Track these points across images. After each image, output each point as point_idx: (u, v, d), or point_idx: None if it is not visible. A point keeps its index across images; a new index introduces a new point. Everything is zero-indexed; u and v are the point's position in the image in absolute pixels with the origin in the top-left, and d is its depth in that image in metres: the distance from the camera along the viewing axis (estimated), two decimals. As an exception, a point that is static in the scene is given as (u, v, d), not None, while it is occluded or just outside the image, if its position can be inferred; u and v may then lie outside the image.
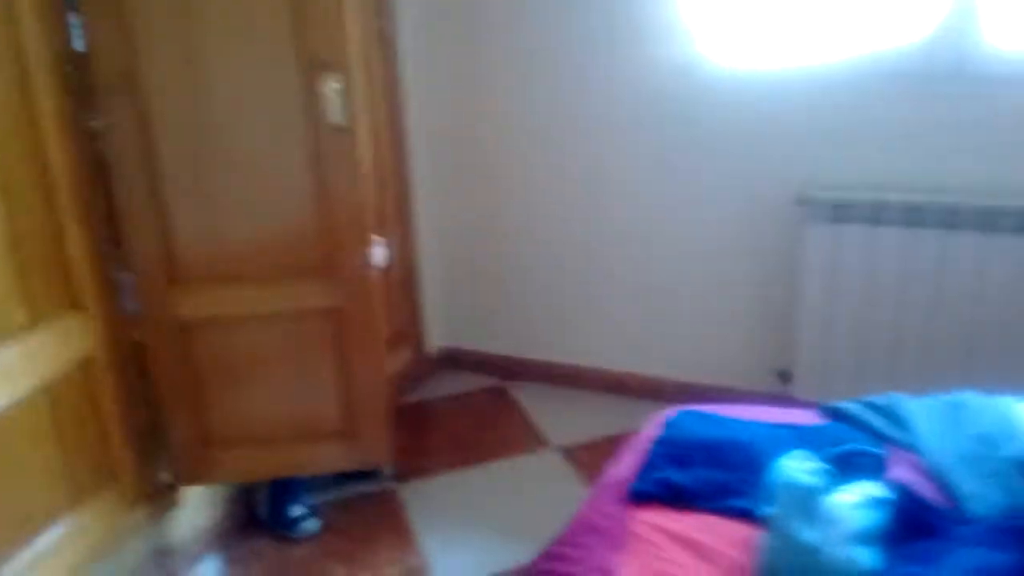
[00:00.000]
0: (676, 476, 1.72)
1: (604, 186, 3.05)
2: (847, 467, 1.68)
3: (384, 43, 3.01)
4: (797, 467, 1.54)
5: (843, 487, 1.55)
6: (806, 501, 1.48)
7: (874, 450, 1.74)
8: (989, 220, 2.47)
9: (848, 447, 1.72)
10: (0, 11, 1.73)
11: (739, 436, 1.78)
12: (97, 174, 2.02)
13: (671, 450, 1.79)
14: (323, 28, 2.08)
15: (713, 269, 2.96)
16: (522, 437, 3.04)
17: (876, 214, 2.59)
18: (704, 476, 1.70)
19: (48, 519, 1.95)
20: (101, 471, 2.11)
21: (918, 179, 2.57)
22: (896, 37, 2.52)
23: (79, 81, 1.94)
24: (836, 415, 1.92)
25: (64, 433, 1.98)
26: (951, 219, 2.50)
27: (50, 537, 1.95)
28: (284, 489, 2.57)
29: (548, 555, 1.63)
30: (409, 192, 3.23)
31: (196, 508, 2.45)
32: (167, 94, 2.03)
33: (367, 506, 2.70)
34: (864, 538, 1.45)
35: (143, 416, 2.21)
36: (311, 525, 2.56)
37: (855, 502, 1.51)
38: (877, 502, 1.51)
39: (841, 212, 2.63)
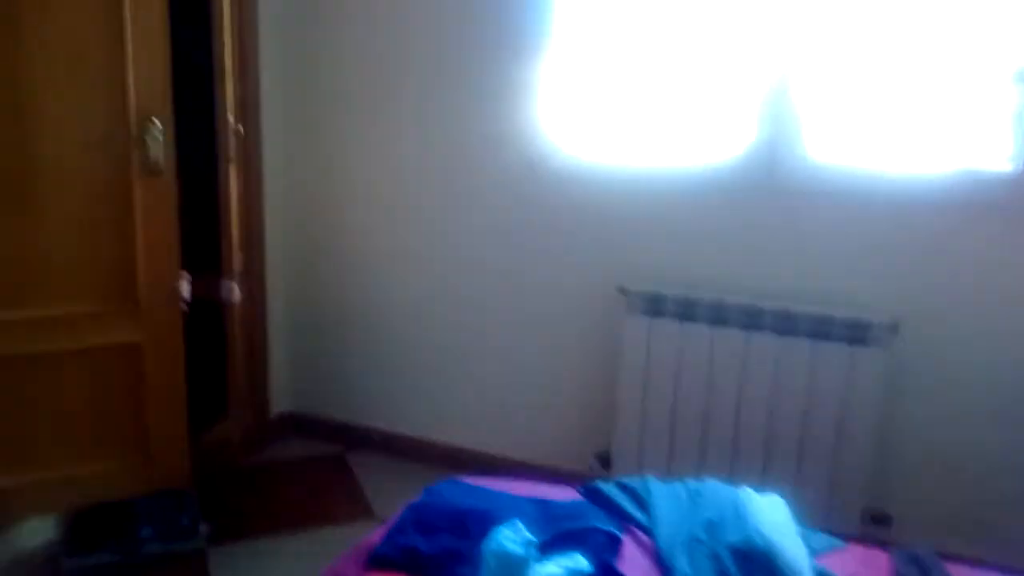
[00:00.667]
0: (418, 542, 1.79)
1: (448, 262, 3.19)
2: (581, 544, 1.76)
3: (248, 100, 3.12)
4: (509, 537, 1.63)
5: (551, 560, 1.64)
6: (511, 570, 1.56)
7: (609, 529, 1.83)
8: (787, 323, 2.63)
9: (583, 524, 1.81)
10: None
11: (486, 507, 1.87)
12: None
13: (421, 516, 1.87)
14: (150, 80, 2.21)
15: (543, 350, 3.10)
16: (349, 507, 3.07)
17: (687, 310, 2.75)
18: (443, 543, 1.77)
19: None
20: None
21: (726, 280, 2.75)
22: (718, 145, 2.72)
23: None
24: (592, 494, 2.01)
25: None
26: (752, 320, 2.66)
27: None
28: (135, 513, 2.60)
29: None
30: (261, 256, 3.31)
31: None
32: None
33: (170, 566, 2.68)
34: (558, 608, 1.53)
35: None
36: (156, 547, 2.60)
37: (557, 574, 1.59)
38: (577, 573, 1.59)
39: (656, 306, 2.79)
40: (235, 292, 2.71)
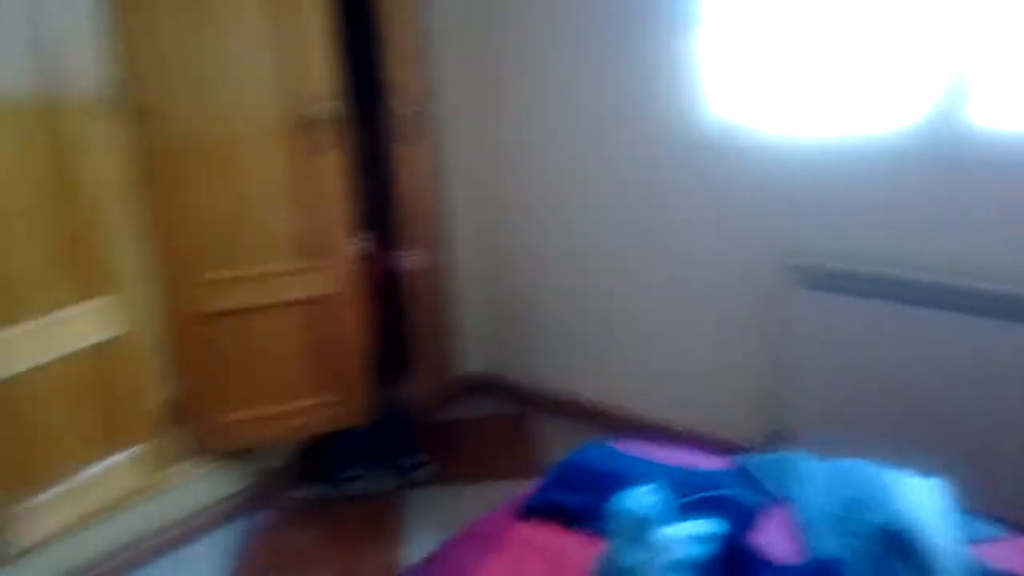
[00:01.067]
0: (563, 498, 1.91)
1: (620, 236, 3.26)
2: (719, 511, 1.81)
3: (431, 87, 3.35)
4: (639, 497, 1.71)
5: (681, 522, 1.70)
6: (638, 528, 1.65)
7: (749, 499, 1.86)
8: (968, 300, 2.48)
9: (722, 492, 1.86)
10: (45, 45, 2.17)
11: (626, 469, 1.95)
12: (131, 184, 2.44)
13: (567, 475, 1.99)
14: (317, 70, 2.55)
15: (712, 322, 3.10)
16: (524, 464, 3.25)
17: (857, 284, 2.66)
18: (587, 500, 1.89)
19: (73, 466, 2.36)
20: (126, 434, 2.51)
21: (903, 255, 2.62)
22: (887, 115, 2.59)
23: (119, 106, 2.37)
24: (741, 466, 2.04)
25: (92, 395, 2.40)
26: (924, 295, 2.53)
27: (72, 483, 2.36)
28: (343, 453, 3.05)
29: (428, 556, 1.87)
30: (446, 230, 3.54)
31: (214, 479, 2.83)
32: (188, 120, 2.48)
33: (372, 503, 3.01)
34: (682, 567, 1.60)
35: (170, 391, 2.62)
36: (360, 485, 3.04)
37: (686, 535, 1.66)
38: (705, 539, 1.65)
39: (825, 279, 2.71)
40: (411, 262, 2.95)
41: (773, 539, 1.80)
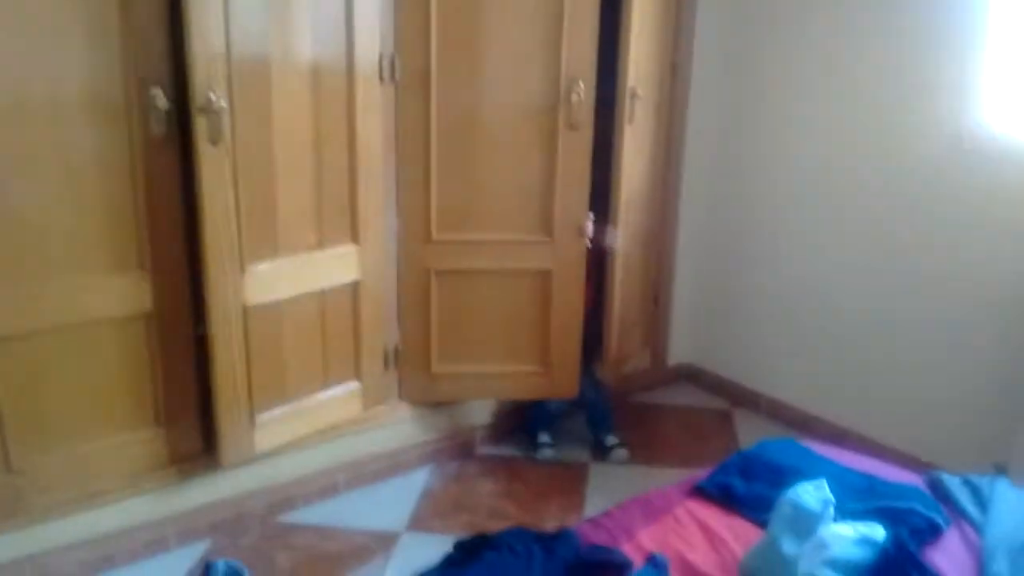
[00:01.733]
0: (736, 483, 1.96)
1: (856, 245, 3.17)
2: (897, 521, 1.79)
3: (676, 75, 3.41)
4: (809, 491, 1.72)
5: (849, 523, 1.70)
6: (802, 521, 1.67)
7: (932, 516, 1.81)
8: None
9: (904, 505, 1.82)
10: (343, 18, 2.49)
11: (810, 468, 1.95)
12: (392, 148, 2.74)
13: (745, 464, 2.03)
14: (579, 46, 2.67)
15: (949, 344, 2.93)
16: (718, 457, 3.25)
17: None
18: (758, 490, 1.92)
19: (305, 390, 2.71)
20: (349, 369, 2.83)
21: None
22: None
23: (391, 74, 2.66)
24: (934, 484, 1.98)
25: (327, 332, 2.73)
26: None
27: (301, 404, 2.71)
28: (538, 420, 3.25)
29: (602, 513, 1.99)
30: (674, 215, 3.60)
31: (418, 424, 3.11)
32: (449, 93, 2.71)
33: (559, 471, 3.17)
34: (840, 567, 1.61)
35: (390, 338, 2.92)
36: (549, 452, 3.20)
37: (849, 536, 1.65)
38: (869, 542, 1.64)
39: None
40: (617, 240, 3.03)
41: (951, 558, 1.74)
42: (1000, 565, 1.68)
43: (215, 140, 2.24)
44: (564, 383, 3.04)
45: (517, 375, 3.04)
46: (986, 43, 2.70)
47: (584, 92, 2.67)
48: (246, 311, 2.47)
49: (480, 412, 3.28)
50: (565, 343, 2.98)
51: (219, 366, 2.46)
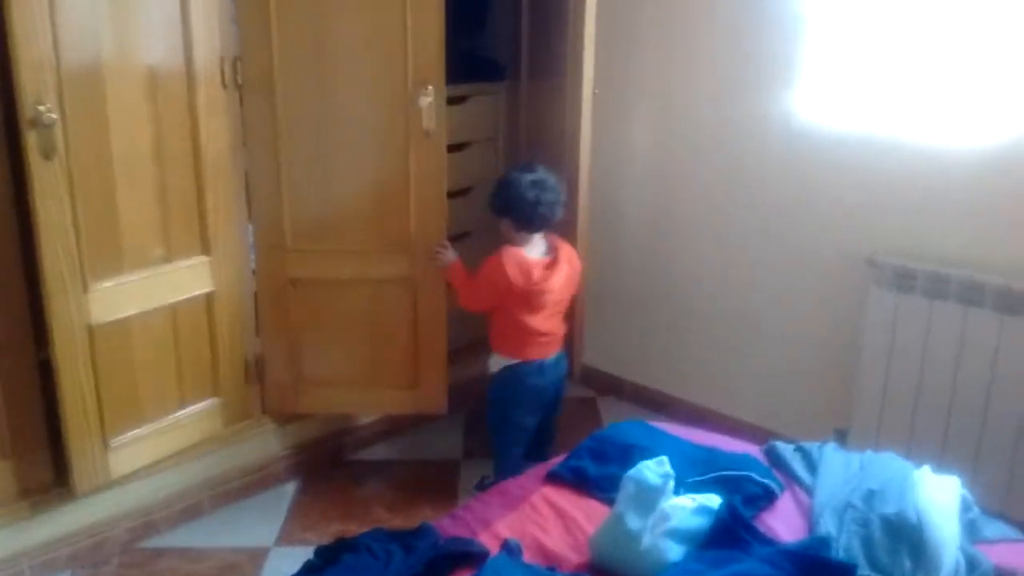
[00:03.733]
0: (588, 466, 2.09)
1: (706, 227, 3.38)
2: (734, 489, 1.94)
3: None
4: (650, 467, 1.85)
5: (688, 494, 1.84)
6: (644, 496, 1.80)
7: (766, 482, 1.97)
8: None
9: (741, 473, 1.98)
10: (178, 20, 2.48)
11: (655, 446, 2.09)
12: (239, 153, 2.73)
13: (597, 446, 2.15)
14: (424, 48, 2.70)
15: (789, 317, 3.18)
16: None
17: (937, 286, 2.68)
18: (608, 470, 2.05)
19: (160, 409, 2.67)
20: (207, 385, 2.81)
21: (980, 258, 2.64)
22: (985, 123, 2.61)
23: (233, 77, 2.65)
24: (769, 452, 2.15)
25: (181, 348, 2.70)
26: (1007, 301, 2.54)
27: (157, 425, 2.68)
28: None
29: (460, 506, 2.07)
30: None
31: (281, 436, 3.12)
32: (296, 96, 2.72)
33: (430, 472, 3.24)
34: (681, 536, 1.75)
35: (249, 351, 2.91)
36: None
37: (688, 507, 1.79)
38: (707, 511, 1.79)
39: (905, 280, 2.74)
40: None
41: (784, 520, 1.91)
42: (826, 523, 1.85)
43: (48, 154, 2.20)
44: (431, 398, 3.02)
45: (384, 388, 3.04)
46: (801, 41, 2.95)
47: (433, 95, 2.71)
48: (92, 331, 2.43)
49: (348, 418, 3.31)
50: (431, 355, 2.97)
51: (65, 391, 2.42)
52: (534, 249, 2.73)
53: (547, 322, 2.76)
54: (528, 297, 2.67)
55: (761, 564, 1.64)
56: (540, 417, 2.87)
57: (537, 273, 2.67)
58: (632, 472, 1.87)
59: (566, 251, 2.79)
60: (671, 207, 3.48)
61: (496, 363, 2.84)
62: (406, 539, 1.87)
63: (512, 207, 2.66)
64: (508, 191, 2.67)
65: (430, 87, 2.72)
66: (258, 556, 2.73)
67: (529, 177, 2.68)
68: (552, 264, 2.72)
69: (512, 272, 2.63)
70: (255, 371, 2.95)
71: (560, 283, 2.72)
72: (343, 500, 3.05)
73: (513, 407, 2.80)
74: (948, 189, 2.72)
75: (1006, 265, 2.60)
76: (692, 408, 3.50)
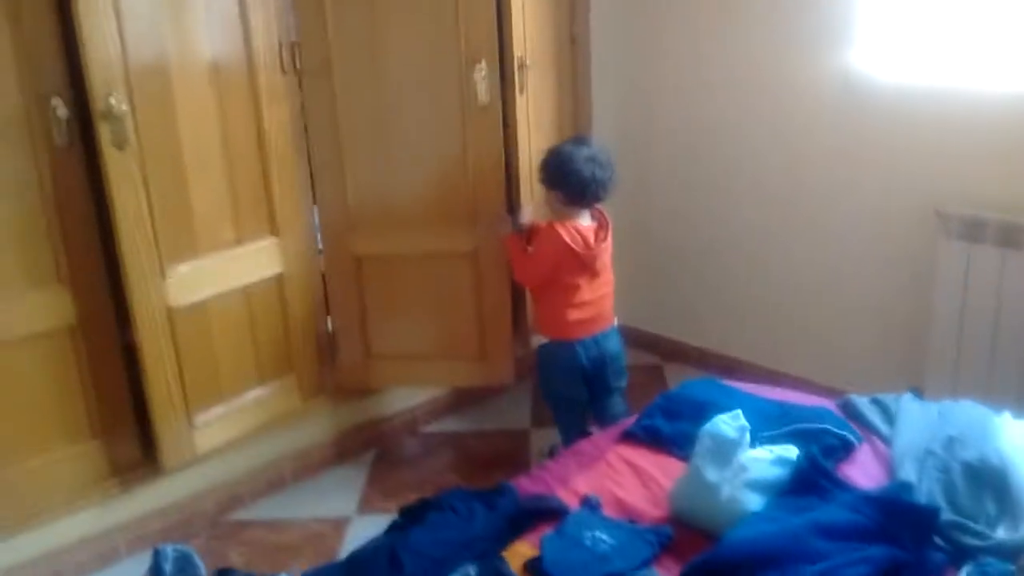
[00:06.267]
0: (661, 424, 2.10)
1: (765, 185, 3.35)
2: (812, 441, 1.94)
3: (575, 45, 3.50)
4: (725, 422, 1.86)
5: (765, 446, 1.84)
6: (721, 449, 1.81)
7: (844, 434, 1.97)
8: None
9: (817, 426, 1.97)
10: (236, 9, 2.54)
11: (728, 402, 2.09)
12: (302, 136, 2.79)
13: (669, 405, 2.16)
14: (476, 25, 2.71)
15: (856, 275, 3.14)
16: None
17: (1009, 235, 2.62)
18: (681, 428, 2.06)
19: (239, 387, 2.76)
20: (282, 363, 2.88)
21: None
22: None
23: (292, 63, 2.71)
24: (846, 406, 2.14)
25: (256, 327, 2.78)
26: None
27: (237, 402, 2.76)
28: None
29: (537, 467, 2.10)
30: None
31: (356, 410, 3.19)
32: (353, 78, 2.77)
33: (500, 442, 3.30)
34: (760, 487, 1.75)
35: (321, 329, 2.98)
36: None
37: (766, 459, 1.80)
38: (784, 462, 1.79)
39: (975, 230, 2.69)
40: (524, 217, 2.91)
41: (863, 470, 1.90)
42: (907, 470, 1.84)
43: (120, 144, 2.27)
44: (499, 369, 3.05)
45: (451, 361, 3.08)
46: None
47: (487, 70, 2.73)
48: (171, 314, 2.52)
49: (419, 392, 3.37)
50: (497, 327, 3.00)
51: (150, 372, 2.50)
52: (582, 219, 2.73)
53: (600, 290, 2.77)
54: (585, 263, 2.69)
55: (843, 510, 1.64)
56: (595, 391, 2.85)
57: (591, 239, 2.68)
58: (707, 426, 1.88)
59: (606, 219, 2.81)
60: (726, 172, 3.45)
61: (539, 341, 2.88)
62: (488, 497, 1.91)
63: (568, 182, 2.65)
64: (564, 166, 2.66)
65: (483, 62, 2.74)
66: (341, 525, 2.81)
67: (585, 152, 2.67)
68: (599, 231, 2.74)
69: (570, 238, 2.64)
70: (328, 348, 3.01)
71: (610, 249, 2.76)
72: (418, 470, 3.12)
73: (557, 381, 2.83)
74: (1013, 136, 2.64)
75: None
76: (762, 371, 3.47)
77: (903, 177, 2.93)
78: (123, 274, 2.39)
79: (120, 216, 2.34)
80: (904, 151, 2.91)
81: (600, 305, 2.80)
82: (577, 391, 2.81)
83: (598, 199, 2.72)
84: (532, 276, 2.79)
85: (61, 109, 2.26)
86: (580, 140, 2.82)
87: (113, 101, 2.23)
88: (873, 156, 2.99)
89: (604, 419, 2.82)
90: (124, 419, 2.59)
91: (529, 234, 2.83)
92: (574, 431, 2.79)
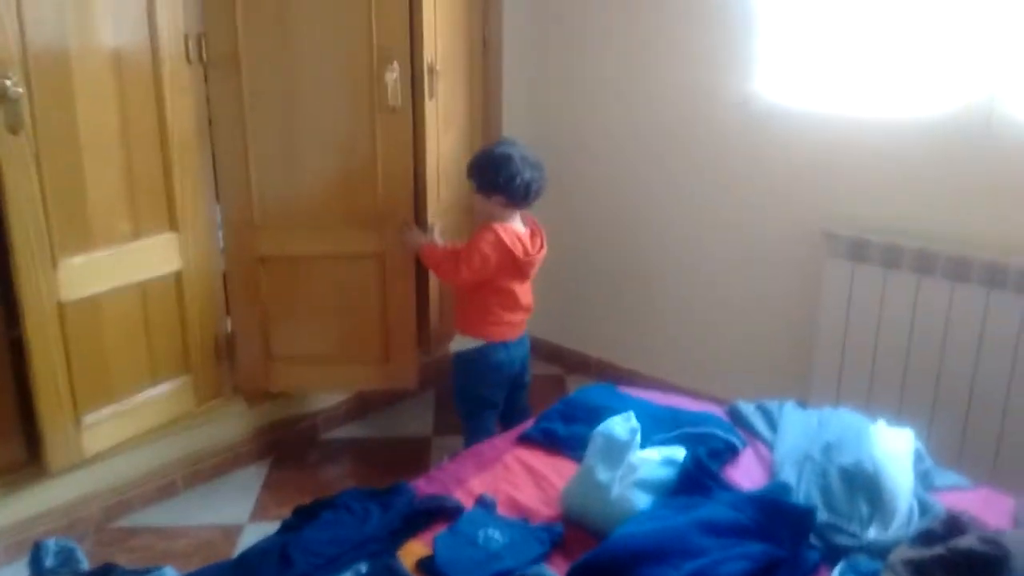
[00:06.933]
0: (558, 427, 2.15)
1: (659, 199, 3.47)
2: (699, 444, 2.01)
3: (487, 49, 3.54)
4: (617, 423, 1.92)
5: (655, 447, 1.91)
6: (613, 450, 1.86)
7: (729, 438, 2.05)
8: (997, 276, 2.58)
9: (705, 430, 2.05)
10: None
11: (622, 406, 2.16)
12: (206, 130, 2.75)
13: (566, 409, 2.22)
14: (389, 25, 2.73)
15: (746, 289, 3.27)
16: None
17: (891, 256, 2.77)
18: (577, 430, 2.11)
19: (132, 387, 2.68)
20: (178, 363, 2.82)
21: (932, 228, 2.74)
22: (932, 95, 2.70)
23: (198, 54, 2.66)
24: (732, 412, 2.23)
25: (151, 326, 2.71)
26: (959, 270, 2.64)
27: (129, 403, 2.69)
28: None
29: (435, 467, 2.12)
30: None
31: (253, 415, 3.14)
32: (261, 72, 2.74)
33: (401, 449, 3.30)
34: (649, 487, 1.82)
35: (219, 329, 2.93)
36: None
37: (654, 459, 1.86)
38: (672, 463, 1.86)
39: (860, 250, 2.84)
40: (436, 237, 2.95)
41: (746, 472, 1.99)
42: (787, 473, 1.93)
43: (15, 128, 2.21)
44: (402, 372, 3.07)
45: (354, 364, 3.08)
46: (759, 19, 3.04)
47: (399, 71, 2.74)
48: (62, 308, 2.44)
49: (321, 397, 3.34)
50: (401, 330, 3.01)
51: (37, 368, 2.42)
52: (517, 224, 2.78)
53: (528, 295, 2.84)
54: (521, 267, 2.74)
55: (725, 508, 1.72)
56: (507, 393, 2.92)
57: (528, 246, 2.75)
58: (600, 427, 1.93)
59: (539, 226, 2.86)
60: (628, 185, 3.56)
61: (459, 342, 2.87)
62: (383, 497, 1.92)
63: (510, 184, 2.67)
64: (505, 168, 2.67)
65: (395, 63, 2.75)
66: (232, 532, 2.76)
67: (520, 153, 2.71)
68: (533, 235, 2.80)
69: (510, 242, 2.68)
70: (226, 349, 2.96)
71: (543, 257, 2.81)
72: (316, 477, 3.08)
73: (480, 383, 2.84)
74: (895, 161, 2.81)
75: (956, 235, 2.70)
76: (658, 383, 3.55)
77: (795, 197, 3.07)
78: (12, 263, 2.31)
79: (11, 202, 2.26)
80: (796, 172, 3.05)
81: (530, 308, 2.87)
82: (498, 393, 2.86)
83: (535, 200, 2.77)
84: (463, 276, 2.72)
85: (-47, 89, 2.18)
86: (510, 142, 2.84)
87: (8, 83, 2.16)
88: (768, 176, 3.13)
89: (513, 414, 2.90)
90: (8, 417, 2.50)
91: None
92: (482, 435, 2.81)
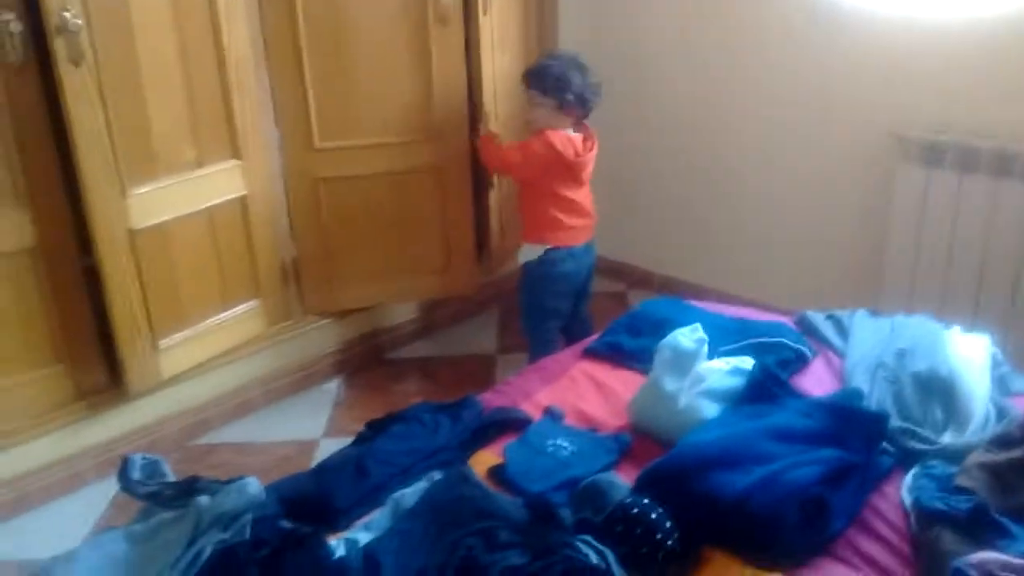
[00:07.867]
0: (623, 340, 2.15)
1: (725, 108, 3.37)
2: (768, 353, 2.00)
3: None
4: (684, 334, 1.91)
5: (723, 357, 1.90)
6: (680, 360, 1.87)
7: (799, 347, 2.03)
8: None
9: (774, 339, 2.04)
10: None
11: (688, 318, 2.15)
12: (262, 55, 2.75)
13: (631, 322, 2.22)
14: None
15: (815, 198, 3.19)
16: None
17: (967, 158, 2.67)
18: (643, 343, 2.11)
19: (204, 312, 2.76)
20: (247, 287, 2.89)
21: (1010, 128, 2.62)
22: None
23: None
24: (800, 320, 2.21)
25: (219, 251, 2.77)
26: None
27: (202, 327, 2.78)
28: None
29: (502, 382, 2.15)
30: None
31: (323, 334, 3.22)
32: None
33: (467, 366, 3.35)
34: (716, 396, 1.82)
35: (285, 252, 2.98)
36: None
37: (722, 369, 1.86)
38: (741, 372, 1.85)
39: (933, 154, 2.74)
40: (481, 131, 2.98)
41: (817, 380, 1.97)
42: (858, 380, 1.91)
43: (76, 60, 2.24)
44: (461, 281, 3.15)
45: (415, 276, 3.15)
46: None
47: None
48: (132, 235, 2.51)
49: (388, 316, 3.39)
50: (459, 239, 3.08)
51: (113, 294, 2.50)
52: (569, 131, 2.79)
53: (587, 198, 2.86)
54: (573, 170, 2.76)
55: (795, 415, 1.71)
56: (572, 303, 2.95)
57: (580, 147, 2.76)
58: (667, 339, 1.93)
59: (591, 131, 2.87)
60: (689, 94, 3.47)
61: (527, 253, 2.89)
62: (452, 410, 1.96)
63: (569, 89, 2.70)
64: (566, 74, 2.70)
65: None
66: (308, 447, 2.85)
67: (576, 62, 2.76)
68: (586, 140, 2.81)
69: (561, 145, 2.70)
70: (292, 271, 3.02)
71: (594, 160, 2.83)
72: (386, 394, 3.15)
73: (546, 293, 2.88)
74: (971, 61, 2.68)
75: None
76: (725, 296, 3.51)
77: (863, 100, 2.96)
78: (83, 195, 2.37)
79: (78, 135, 2.31)
80: (864, 76, 2.94)
81: (592, 214, 2.89)
82: (564, 303, 2.92)
83: (590, 109, 2.80)
84: (519, 169, 2.81)
85: (14, 24, 2.21)
86: (566, 52, 2.89)
87: (68, 15, 2.18)
88: (834, 82, 3.02)
89: (574, 325, 2.97)
90: (88, 343, 2.60)
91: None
92: (548, 347, 2.85)
